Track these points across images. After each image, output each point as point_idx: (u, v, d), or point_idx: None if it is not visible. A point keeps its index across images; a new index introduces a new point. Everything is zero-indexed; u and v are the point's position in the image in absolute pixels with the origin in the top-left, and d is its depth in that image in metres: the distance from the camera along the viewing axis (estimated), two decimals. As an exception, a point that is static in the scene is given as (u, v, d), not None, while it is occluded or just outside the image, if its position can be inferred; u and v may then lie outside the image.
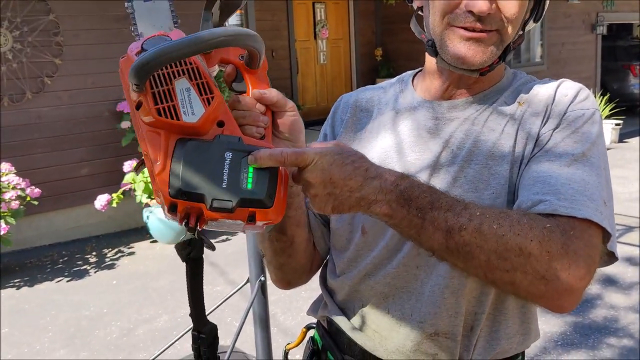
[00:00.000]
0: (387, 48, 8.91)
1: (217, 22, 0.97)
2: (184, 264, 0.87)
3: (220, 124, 0.86)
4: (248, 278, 2.50)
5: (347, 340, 1.14)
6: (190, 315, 0.91)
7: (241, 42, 0.86)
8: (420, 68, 1.22)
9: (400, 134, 1.13)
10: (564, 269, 0.87)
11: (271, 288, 1.88)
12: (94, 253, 5.57)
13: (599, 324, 3.73)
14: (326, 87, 9.11)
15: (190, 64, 0.85)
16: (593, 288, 4.21)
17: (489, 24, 0.99)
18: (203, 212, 0.81)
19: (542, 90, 1.07)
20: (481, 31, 1.00)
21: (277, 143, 0.97)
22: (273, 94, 0.94)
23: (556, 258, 0.87)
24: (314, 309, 1.25)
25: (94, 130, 6.03)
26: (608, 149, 9.14)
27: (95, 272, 5.09)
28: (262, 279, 2.39)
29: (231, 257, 4.99)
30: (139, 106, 0.83)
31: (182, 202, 0.80)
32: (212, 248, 0.85)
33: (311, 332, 1.29)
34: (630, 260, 4.71)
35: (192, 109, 0.83)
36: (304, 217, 1.13)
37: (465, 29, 1.00)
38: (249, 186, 0.82)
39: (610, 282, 4.32)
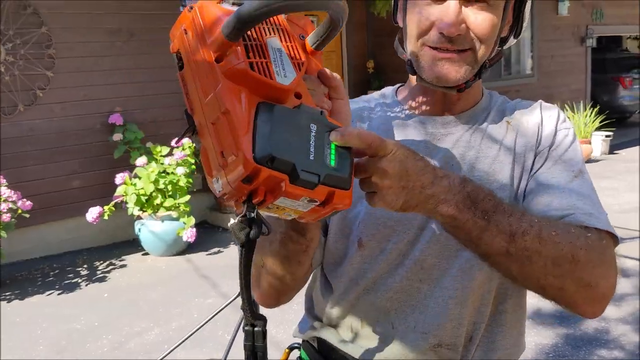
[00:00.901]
0: (379, 60, 8.95)
1: None
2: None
3: (298, 96, 0.79)
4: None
5: (341, 356, 1.13)
6: (243, 308, 0.81)
7: (340, 11, 0.80)
8: (401, 83, 1.23)
9: None
10: (603, 276, 0.94)
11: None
12: (85, 266, 5.55)
13: (590, 335, 3.74)
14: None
15: (281, 25, 0.80)
16: (584, 299, 4.22)
17: (460, 44, 1.01)
18: (283, 185, 0.71)
19: (529, 112, 1.14)
20: (454, 51, 1.02)
21: None
22: (338, 77, 0.90)
23: (597, 266, 0.94)
24: (301, 329, 1.23)
25: (86, 143, 6.02)
26: (599, 161, 9.22)
27: (86, 285, 5.07)
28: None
29: (223, 270, 4.98)
30: (220, 59, 0.74)
31: (267, 170, 0.70)
32: (270, 230, 0.78)
33: (296, 352, 1.27)
34: (621, 272, 4.72)
35: (284, 70, 0.76)
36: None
37: (438, 49, 1.02)
38: (332, 163, 0.76)
39: (601, 293, 4.34)
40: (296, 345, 1.27)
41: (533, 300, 3.59)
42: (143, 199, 5.38)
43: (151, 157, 5.74)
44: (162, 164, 5.62)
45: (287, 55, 0.78)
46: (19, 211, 5.05)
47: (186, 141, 5.76)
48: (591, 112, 9.53)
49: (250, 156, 0.70)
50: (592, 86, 11.67)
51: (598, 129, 9.59)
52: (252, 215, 0.75)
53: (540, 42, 10.32)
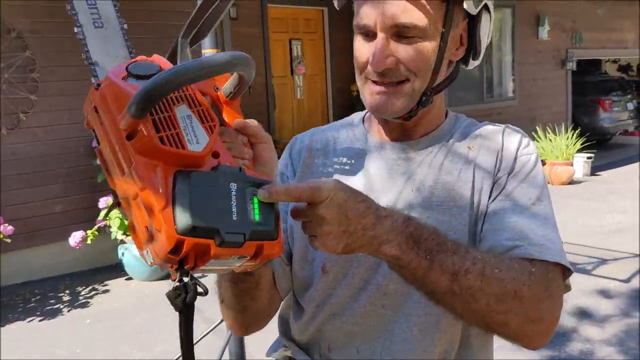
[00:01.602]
0: (363, 84, 9.03)
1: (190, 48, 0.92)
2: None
3: (216, 155, 0.80)
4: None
5: None
6: None
7: (245, 66, 0.83)
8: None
9: (360, 176, 1.14)
10: (548, 310, 0.94)
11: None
12: (67, 291, 5.47)
13: (574, 357, 3.74)
14: (303, 123, 9.17)
15: (188, 90, 0.81)
16: (569, 322, 4.24)
17: (393, 77, 1.03)
18: (209, 249, 0.73)
19: (490, 137, 1.13)
20: (389, 84, 1.04)
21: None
22: (255, 124, 0.92)
23: (542, 300, 0.93)
24: (274, 349, 1.24)
25: (69, 167, 5.98)
26: (581, 182, 9.31)
27: (68, 310, 5.00)
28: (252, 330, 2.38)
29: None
30: (131, 136, 0.75)
31: (191, 239, 0.72)
32: (206, 291, 0.79)
33: None
34: (604, 293, 4.75)
35: (196, 137, 0.77)
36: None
37: (375, 82, 1.05)
38: (257, 217, 0.77)
39: (585, 315, 4.35)
40: None
41: (518, 322, 3.48)
42: (126, 222, 5.34)
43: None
44: (146, 187, 5.60)
45: (197, 120, 0.79)
46: (0, 236, 4.99)
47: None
48: (572, 134, 9.64)
49: (173, 229, 0.71)
50: (572, 108, 11.83)
51: (579, 150, 9.70)
52: (186, 280, 0.76)
53: (522, 66, 10.47)
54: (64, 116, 5.87)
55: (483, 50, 1.11)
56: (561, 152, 9.32)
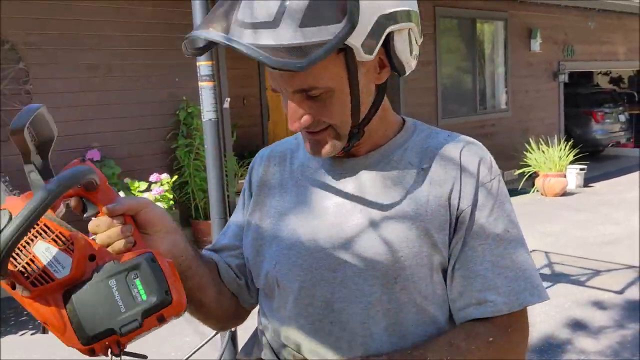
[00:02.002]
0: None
1: (42, 167, 0.98)
2: None
3: (92, 258, 0.89)
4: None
5: None
6: None
7: (81, 179, 0.92)
8: None
9: (308, 190, 1.14)
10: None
11: (241, 338, 1.85)
12: (60, 304, 5.44)
13: (569, 368, 3.74)
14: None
15: (38, 225, 0.87)
16: (563, 333, 4.24)
17: (316, 127, 1.04)
18: (119, 341, 0.86)
19: (447, 154, 1.09)
20: (313, 132, 1.05)
21: (149, 240, 1.00)
22: (123, 202, 0.97)
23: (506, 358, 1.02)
24: (246, 352, 1.25)
25: (62, 179, 5.95)
26: (574, 194, 9.34)
27: (61, 323, 4.96)
28: (232, 329, 2.36)
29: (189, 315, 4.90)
30: (13, 286, 0.85)
31: (97, 344, 0.85)
32: (145, 357, 0.90)
33: None
34: (598, 305, 4.76)
35: (60, 264, 0.86)
36: (205, 279, 1.14)
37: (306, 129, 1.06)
38: (144, 297, 0.86)
39: (579, 327, 4.36)
40: None
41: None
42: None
43: (129, 192, 5.70)
44: (139, 199, 5.58)
45: (55, 248, 0.86)
46: (-8, 248, 4.95)
47: (164, 176, 5.74)
48: (565, 146, 9.69)
49: (79, 344, 0.85)
50: (565, 120, 11.90)
51: (572, 162, 9.74)
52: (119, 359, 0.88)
53: (514, 78, 10.53)
54: (57, 128, 5.85)
55: (411, 61, 1.06)
56: (554, 163, 9.36)
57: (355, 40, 0.92)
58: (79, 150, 5.95)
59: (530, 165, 9.58)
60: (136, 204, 0.99)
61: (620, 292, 5.01)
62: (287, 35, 0.88)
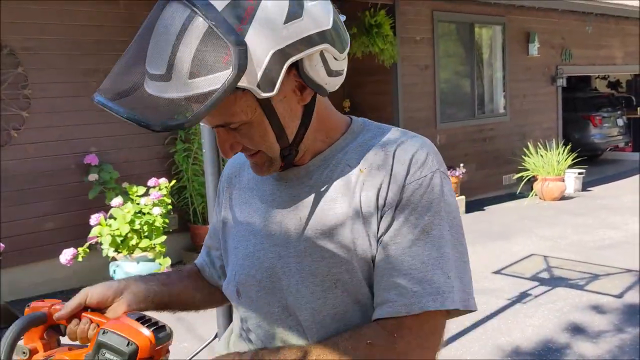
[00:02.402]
0: (354, 100, 9.06)
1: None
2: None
3: None
4: (217, 333, 2.46)
5: None
6: None
7: (26, 328, 1.13)
8: None
9: (256, 200, 1.17)
10: None
11: (240, 343, 1.85)
12: (58, 309, 5.42)
13: (569, 372, 3.74)
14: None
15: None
16: (562, 337, 4.23)
17: (248, 152, 1.07)
18: None
19: (382, 153, 1.07)
20: (250, 155, 1.08)
21: (111, 310, 1.17)
22: (66, 307, 1.16)
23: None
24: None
25: (60, 183, 5.95)
26: (572, 198, 9.34)
27: (59, 328, 4.94)
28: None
29: (199, 312, 4.88)
30: None
31: None
32: None
33: None
34: (597, 309, 4.75)
35: None
36: (185, 294, 1.33)
37: None
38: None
39: (578, 330, 4.35)
40: None
41: (512, 339, 3.63)
42: (118, 240, 5.31)
43: (127, 197, 5.69)
44: (138, 204, 5.57)
45: None
46: (-10, 253, 4.95)
47: (163, 181, 5.73)
48: (563, 150, 9.70)
49: None
50: (563, 125, 11.91)
51: (570, 166, 9.75)
52: None
53: (512, 82, 10.54)
54: (55, 133, 5.86)
55: (330, 80, 1.04)
56: (552, 168, 9.37)
57: (249, 82, 0.91)
58: (77, 155, 5.95)
59: (528, 170, 9.58)
60: (77, 301, 1.16)
61: (619, 296, 5.01)
62: (178, 87, 0.89)
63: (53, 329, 1.18)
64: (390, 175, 1.04)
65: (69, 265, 5.18)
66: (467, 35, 9.84)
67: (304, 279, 1.07)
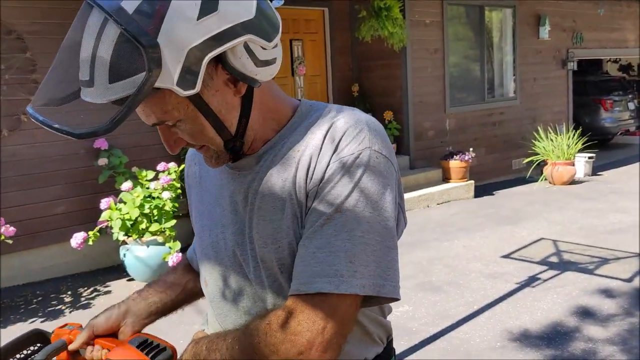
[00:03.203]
0: (363, 84, 9.02)
1: None
2: None
3: None
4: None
5: None
6: None
7: (54, 354, 1.25)
8: None
9: (212, 189, 1.20)
10: (289, 349, 0.95)
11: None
12: (69, 292, 5.48)
13: (577, 357, 3.74)
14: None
15: None
16: (571, 321, 4.23)
17: (194, 146, 1.08)
18: None
19: (317, 134, 1.06)
20: (199, 149, 1.09)
21: (121, 333, 1.28)
22: (78, 339, 1.28)
23: (281, 342, 0.95)
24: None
25: (70, 168, 5.99)
26: (582, 182, 9.29)
27: (70, 312, 5.00)
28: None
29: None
30: None
31: None
32: None
33: None
34: (606, 293, 4.75)
35: None
36: (185, 292, 1.38)
37: None
38: None
39: (587, 314, 4.35)
40: None
41: (520, 322, 3.63)
42: (128, 224, 5.34)
43: (136, 181, 5.71)
44: (147, 188, 5.60)
45: None
46: (2, 237, 4.99)
47: (172, 165, 5.75)
48: (574, 134, 9.64)
49: None
50: (574, 108, 11.83)
51: (581, 150, 9.69)
52: None
53: (523, 66, 10.46)
54: (64, 117, 5.86)
55: (259, 71, 1.00)
56: (562, 152, 9.32)
57: (166, 82, 0.90)
58: (85, 140, 5.96)
59: (538, 154, 9.54)
60: (85, 335, 1.28)
61: (629, 280, 5.00)
62: (101, 92, 0.89)
63: (78, 352, 1.30)
64: (319, 154, 1.03)
65: (79, 248, 5.22)
66: (477, 18, 9.76)
67: (257, 267, 1.09)
